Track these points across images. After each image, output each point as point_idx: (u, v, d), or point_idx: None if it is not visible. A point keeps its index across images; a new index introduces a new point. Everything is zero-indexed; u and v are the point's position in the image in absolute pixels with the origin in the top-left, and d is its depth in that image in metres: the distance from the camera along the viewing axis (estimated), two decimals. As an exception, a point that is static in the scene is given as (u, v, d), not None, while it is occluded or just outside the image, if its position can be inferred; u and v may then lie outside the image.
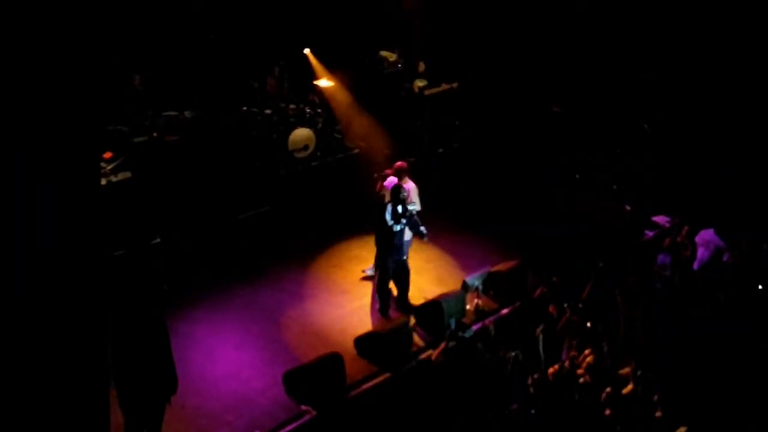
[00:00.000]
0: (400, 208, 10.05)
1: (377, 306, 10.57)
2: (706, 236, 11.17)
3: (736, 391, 8.51)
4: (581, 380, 8.44)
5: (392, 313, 10.53)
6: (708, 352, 9.05)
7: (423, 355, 9.69)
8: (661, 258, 10.98)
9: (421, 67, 15.30)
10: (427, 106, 14.96)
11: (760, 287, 10.21)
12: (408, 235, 10.40)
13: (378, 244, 10.45)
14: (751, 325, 9.59)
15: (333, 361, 9.07)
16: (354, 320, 10.35)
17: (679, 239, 10.95)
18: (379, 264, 10.48)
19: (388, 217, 10.04)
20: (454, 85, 15.38)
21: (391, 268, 10.36)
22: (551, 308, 9.59)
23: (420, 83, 15.05)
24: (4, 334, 4.92)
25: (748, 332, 9.45)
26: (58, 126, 4.85)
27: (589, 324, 9.22)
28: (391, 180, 10.47)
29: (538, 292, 10.17)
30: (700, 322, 9.68)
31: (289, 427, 8.40)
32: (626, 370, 8.46)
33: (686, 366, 8.79)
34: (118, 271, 9.77)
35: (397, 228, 10.10)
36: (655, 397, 7.92)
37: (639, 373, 8.17)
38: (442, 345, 9.09)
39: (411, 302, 10.65)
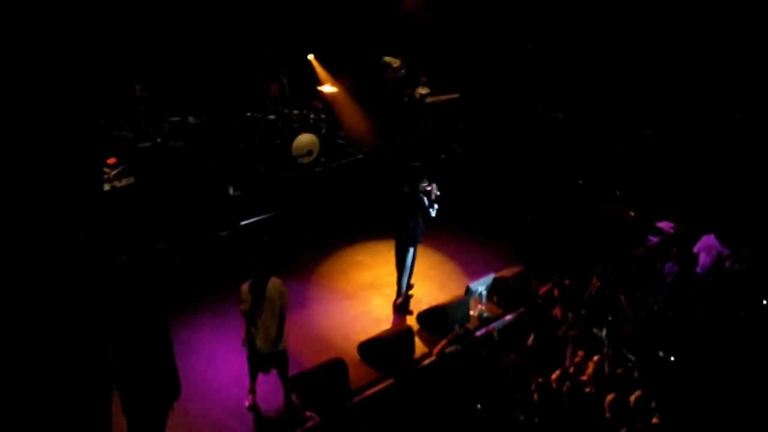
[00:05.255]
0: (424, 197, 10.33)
1: (396, 303, 10.65)
2: (707, 242, 11.14)
3: (737, 397, 8.48)
4: (586, 387, 8.41)
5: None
6: (710, 358, 9.03)
7: (426, 361, 9.67)
8: (669, 266, 10.94)
9: (424, 78, 15.33)
10: (429, 112, 14.97)
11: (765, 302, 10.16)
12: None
13: (405, 240, 10.43)
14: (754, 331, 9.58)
15: (336, 366, 9.05)
16: (357, 326, 10.34)
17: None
18: (400, 262, 10.53)
19: (426, 206, 10.27)
20: (456, 95, 15.40)
21: (409, 260, 10.46)
22: (556, 311, 9.55)
23: (422, 90, 15.05)
24: (7, 338, 4.93)
25: (749, 338, 9.44)
26: (62, 131, 4.86)
27: (594, 329, 9.20)
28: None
29: (544, 290, 10.09)
30: (703, 329, 9.67)
31: (293, 433, 8.39)
32: (630, 376, 8.43)
33: (688, 372, 8.76)
34: (122, 277, 9.78)
35: (433, 213, 10.37)
36: (654, 404, 7.89)
37: (643, 380, 8.15)
38: (444, 342, 9.12)
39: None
